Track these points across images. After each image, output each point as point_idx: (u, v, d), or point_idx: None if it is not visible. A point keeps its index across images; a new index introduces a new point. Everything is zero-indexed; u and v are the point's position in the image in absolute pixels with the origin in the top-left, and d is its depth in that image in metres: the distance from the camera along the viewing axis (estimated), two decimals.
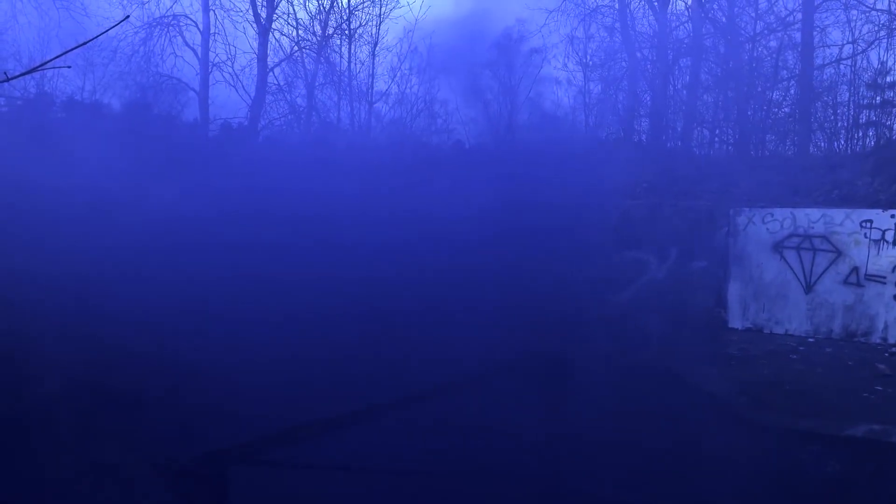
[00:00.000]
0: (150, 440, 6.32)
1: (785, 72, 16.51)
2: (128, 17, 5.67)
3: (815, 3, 15.64)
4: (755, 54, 16.85)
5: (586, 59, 18.55)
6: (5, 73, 3.23)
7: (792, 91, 16.42)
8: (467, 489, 7.25)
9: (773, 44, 16.61)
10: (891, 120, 14.87)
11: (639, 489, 7.59)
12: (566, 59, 18.24)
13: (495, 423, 7.34)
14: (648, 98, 17.92)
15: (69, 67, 5.60)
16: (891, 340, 10.58)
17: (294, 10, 18.80)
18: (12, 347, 8.50)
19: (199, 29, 18.03)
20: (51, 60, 3.03)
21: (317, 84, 18.36)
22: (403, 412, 6.34)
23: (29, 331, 8.67)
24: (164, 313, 8.45)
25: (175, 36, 17.82)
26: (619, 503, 7.43)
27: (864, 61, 15.54)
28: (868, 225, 10.76)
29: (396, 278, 9.36)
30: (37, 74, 14.83)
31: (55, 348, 8.65)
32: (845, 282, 10.92)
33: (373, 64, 18.82)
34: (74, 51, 3.23)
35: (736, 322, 11.75)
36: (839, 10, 15.68)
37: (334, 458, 5.72)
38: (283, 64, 18.45)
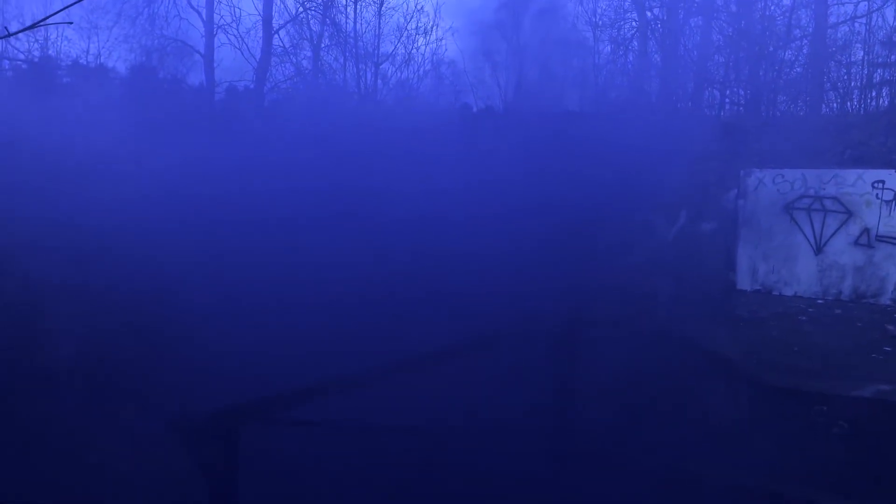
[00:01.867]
0: (163, 401, 6.37)
1: (798, 31, 16.25)
2: None
3: None
4: (767, 13, 16.58)
5: (596, 19, 18.29)
6: (6, 28, 3.19)
7: (804, 50, 16.18)
8: (476, 447, 7.31)
9: (786, 2, 16.33)
10: None
11: (646, 450, 7.65)
12: (576, 20, 18.00)
13: (504, 384, 7.37)
14: (659, 58, 17.70)
15: (71, 24, 5.53)
16: None
17: None
18: (25, 313, 8.57)
19: None
20: (52, 15, 2.98)
21: (322, 46, 18.18)
22: (415, 372, 6.36)
23: (40, 296, 8.73)
24: (174, 275, 8.48)
25: None
26: (626, 463, 7.48)
27: (880, 19, 15.25)
28: (880, 185, 10.65)
29: (407, 243, 9.35)
30: (41, 38, 14.74)
31: (67, 312, 8.72)
32: (856, 243, 10.85)
33: (379, 24, 18.60)
34: (78, 10, 3.18)
35: (745, 284, 11.71)
36: None
37: (345, 417, 5.76)
38: (289, 25, 18.26)
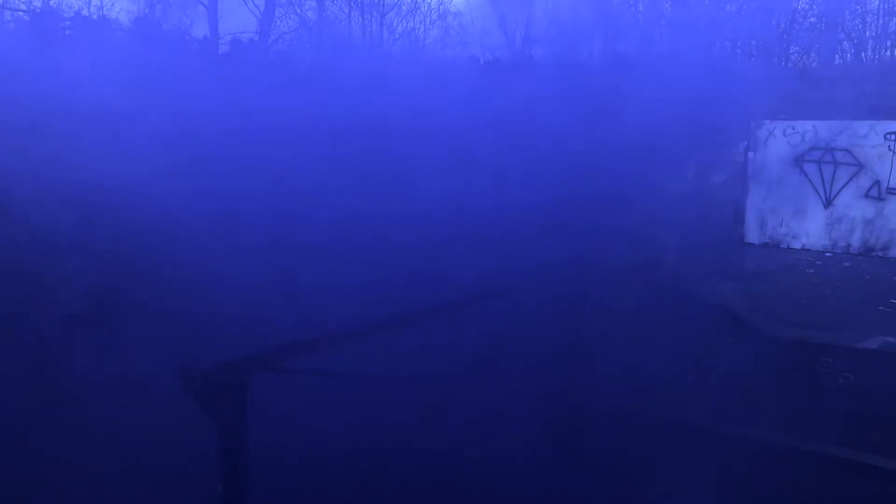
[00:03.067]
0: (171, 352, 6.41)
1: None
2: None
3: None
4: None
5: None
6: None
7: None
8: (483, 398, 7.38)
9: None
10: None
11: (651, 399, 7.70)
12: None
13: (512, 336, 7.41)
14: (669, 7, 17.37)
15: None
16: None
17: None
18: (32, 264, 8.60)
19: None
20: None
21: None
22: (426, 322, 6.38)
23: (47, 248, 8.76)
24: (179, 226, 8.48)
25: None
26: (631, 414, 7.54)
27: None
28: (893, 137, 10.50)
29: (416, 194, 9.31)
30: None
31: (73, 263, 8.76)
32: (866, 195, 10.75)
33: None
34: None
35: (753, 237, 11.65)
36: None
37: (355, 367, 5.80)
38: None
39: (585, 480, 7.54)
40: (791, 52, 16.04)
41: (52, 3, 15.79)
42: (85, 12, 16.24)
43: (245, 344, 5.12)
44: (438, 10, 18.01)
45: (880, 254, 10.67)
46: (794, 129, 11.31)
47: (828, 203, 11.03)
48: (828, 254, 10.98)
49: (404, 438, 6.27)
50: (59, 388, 7.82)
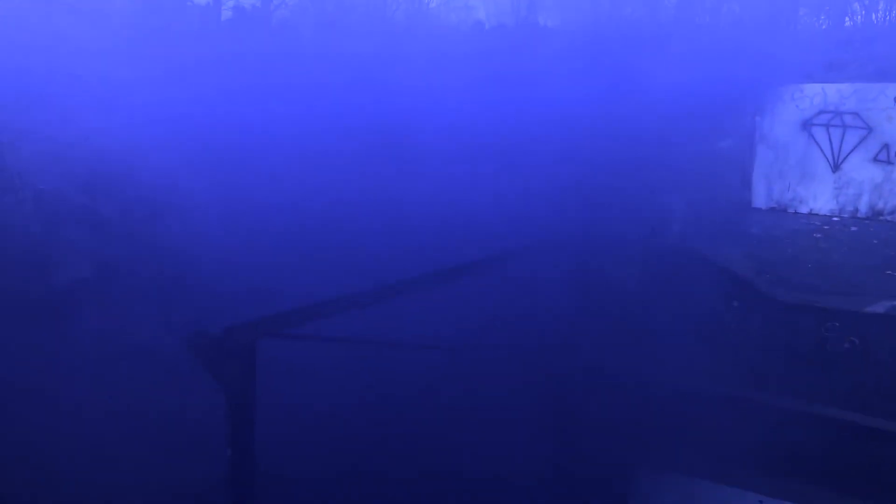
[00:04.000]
0: (179, 319, 6.46)
1: None
2: None
3: None
4: None
5: None
6: None
7: None
8: (489, 363, 7.42)
9: None
10: None
11: (656, 364, 7.73)
12: None
13: (518, 301, 7.42)
14: None
15: None
16: None
17: None
18: (39, 233, 8.62)
19: None
20: None
21: None
22: (434, 288, 6.39)
23: (54, 217, 8.76)
24: (183, 195, 8.47)
25: None
26: (636, 378, 7.59)
27: None
28: None
29: (425, 161, 9.26)
30: None
31: (80, 232, 8.77)
32: (875, 159, 10.65)
33: None
34: None
35: (760, 202, 11.59)
36: None
37: (362, 333, 5.82)
38: None
39: (587, 444, 7.61)
40: (800, 14, 15.79)
41: None
42: None
43: (252, 311, 5.12)
44: None
45: (888, 218, 10.60)
46: (802, 91, 11.19)
47: (836, 167, 10.95)
48: (835, 218, 10.92)
49: (410, 402, 6.31)
50: (66, 355, 7.87)
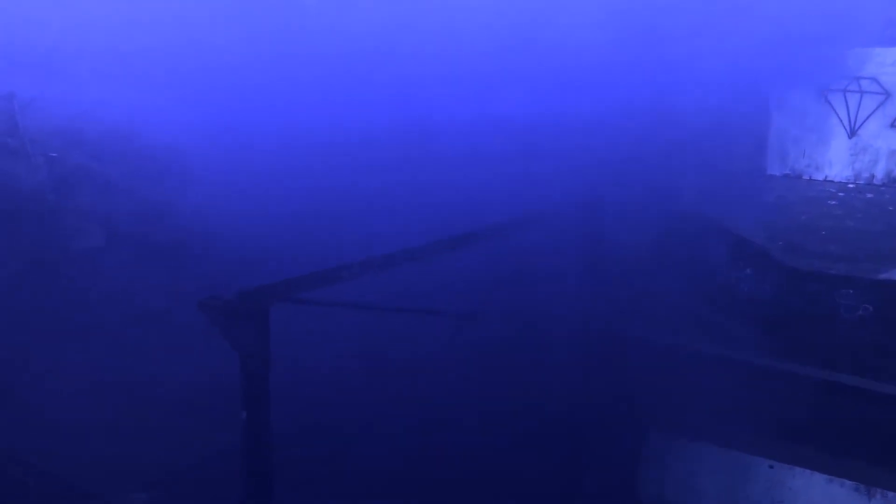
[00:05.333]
0: (194, 286, 6.49)
1: None
2: None
3: None
4: None
5: None
6: None
7: None
8: (505, 329, 7.45)
9: None
10: None
11: (670, 330, 7.74)
12: None
13: (532, 268, 7.41)
14: None
15: None
16: None
17: None
18: (52, 200, 8.65)
19: None
20: None
21: None
22: (446, 255, 6.38)
23: (62, 181, 8.79)
24: (199, 160, 8.48)
25: None
26: (651, 344, 7.60)
27: None
28: None
29: (433, 127, 9.19)
30: None
31: (93, 200, 8.80)
32: (892, 125, 10.51)
33: None
34: None
35: (775, 168, 11.48)
36: None
37: (374, 298, 5.84)
38: None
39: (597, 409, 7.65)
40: None
41: None
42: None
43: (266, 275, 5.14)
44: None
45: None
46: (819, 57, 11.00)
47: (852, 133, 10.81)
48: (850, 185, 10.82)
49: (421, 367, 6.35)
50: (80, 320, 7.94)
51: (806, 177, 11.22)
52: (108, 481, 6.78)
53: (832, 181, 11.01)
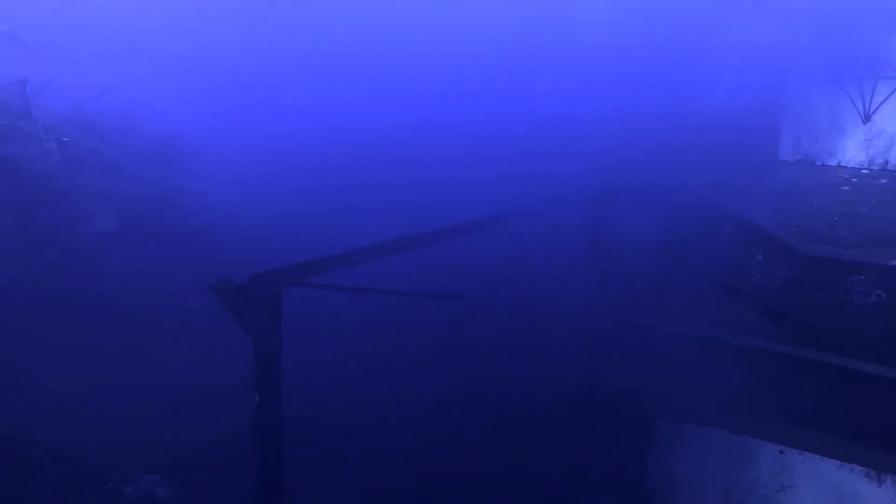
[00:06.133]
0: (207, 269, 6.53)
1: None
2: None
3: None
4: None
5: None
6: None
7: None
8: (514, 314, 7.46)
9: None
10: None
11: (680, 316, 7.72)
12: None
13: (541, 254, 7.41)
14: None
15: None
16: None
17: None
18: (65, 184, 8.70)
19: None
20: None
21: None
22: (457, 240, 6.38)
23: (76, 167, 8.83)
24: (212, 145, 8.49)
25: None
26: (661, 330, 7.58)
27: None
28: None
29: (444, 113, 9.17)
30: None
31: (107, 187, 8.85)
32: None
33: None
34: None
35: (787, 154, 11.39)
36: None
37: (383, 283, 5.86)
38: None
39: (606, 395, 7.66)
40: None
41: None
42: None
43: (276, 260, 5.16)
44: None
45: None
46: (832, 42, 10.88)
47: (866, 118, 10.71)
48: (864, 171, 10.73)
49: (432, 350, 6.37)
50: (92, 304, 8.00)
51: (819, 162, 11.13)
52: (119, 463, 6.87)
53: (845, 167, 10.92)
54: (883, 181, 10.32)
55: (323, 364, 6.95)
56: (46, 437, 6.97)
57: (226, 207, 8.30)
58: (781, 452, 7.04)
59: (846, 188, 10.17)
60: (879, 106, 10.57)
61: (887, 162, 10.65)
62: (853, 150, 10.89)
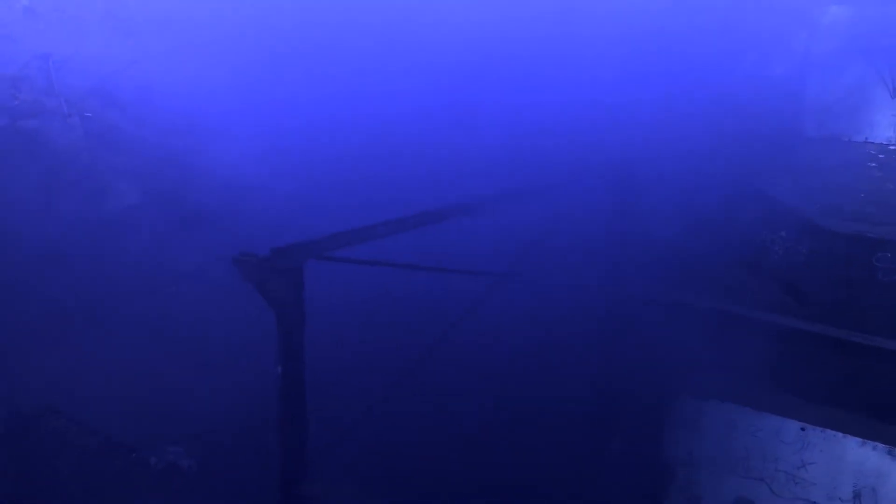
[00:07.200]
0: (229, 243, 6.56)
1: None
2: None
3: None
4: None
5: None
6: None
7: None
8: (536, 290, 7.44)
9: None
10: None
11: (703, 292, 7.68)
12: None
13: (564, 229, 7.37)
14: None
15: None
16: None
17: None
18: (88, 160, 8.76)
19: None
20: None
21: None
22: (479, 215, 6.36)
23: (99, 142, 8.89)
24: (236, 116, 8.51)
25: None
26: (684, 305, 7.55)
27: None
28: None
29: (469, 89, 9.12)
30: None
31: (130, 162, 8.91)
32: None
33: None
34: None
35: (813, 130, 11.21)
36: None
37: (401, 258, 5.86)
38: None
39: (629, 370, 7.66)
40: None
41: None
42: None
43: (299, 234, 5.18)
44: None
45: None
46: (860, 13, 10.66)
47: (894, 93, 10.50)
48: (892, 147, 10.53)
49: (454, 326, 6.38)
50: (118, 278, 8.09)
51: (845, 139, 10.94)
52: (143, 434, 6.98)
53: (872, 143, 10.72)
54: None
55: (344, 338, 7.00)
56: (72, 409, 7.09)
57: (248, 182, 8.33)
58: (803, 429, 7.01)
59: (873, 164, 10.01)
60: None
61: None
62: (880, 126, 10.68)
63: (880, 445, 6.79)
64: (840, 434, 6.92)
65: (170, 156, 9.08)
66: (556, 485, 7.15)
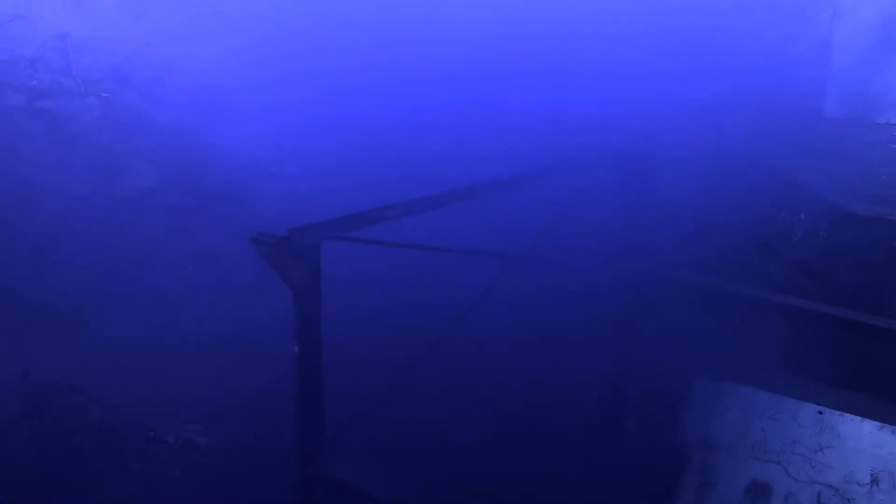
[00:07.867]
0: (245, 223, 6.59)
1: None
2: None
3: None
4: None
5: None
6: None
7: None
8: (552, 271, 7.43)
9: None
10: None
11: (720, 273, 7.64)
12: None
13: (579, 211, 7.34)
14: None
15: None
16: None
17: None
18: (103, 143, 8.80)
19: None
20: None
21: None
22: (494, 196, 6.35)
23: (116, 123, 8.92)
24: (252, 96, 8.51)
25: None
26: (700, 287, 7.51)
27: None
28: None
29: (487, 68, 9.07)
30: None
31: (147, 143, 8.93)
32: None
33: None
34: None
35: (833, 112, 11.05)
36: None
37: (417, 238, 5.87)
38: None
39: (645, 351, 7.64)
40: None
41: None
42: None
43: (315, 215, 5.18)
44: None
45: None
46: None
47: None
48: None
49: (470, 307, 6.38)
50: (134, 257, 8.14)
51: (867, 120, 10.78)
52: (161, 412, 7.05)
53: (894, 125, 10.57)
54: None
55: (360, 318, 7.02)
56: (91, 386, 7.17)
57: (264, 162, 8.34)
58: (821, 413, 6.98)
59: (895, 146, 9.88)
60: None
61: None
62: None
63: None
64: (858, 418, 6.88)
65: (186, 136, 9.10)
66: (574, 461, 7.17)
